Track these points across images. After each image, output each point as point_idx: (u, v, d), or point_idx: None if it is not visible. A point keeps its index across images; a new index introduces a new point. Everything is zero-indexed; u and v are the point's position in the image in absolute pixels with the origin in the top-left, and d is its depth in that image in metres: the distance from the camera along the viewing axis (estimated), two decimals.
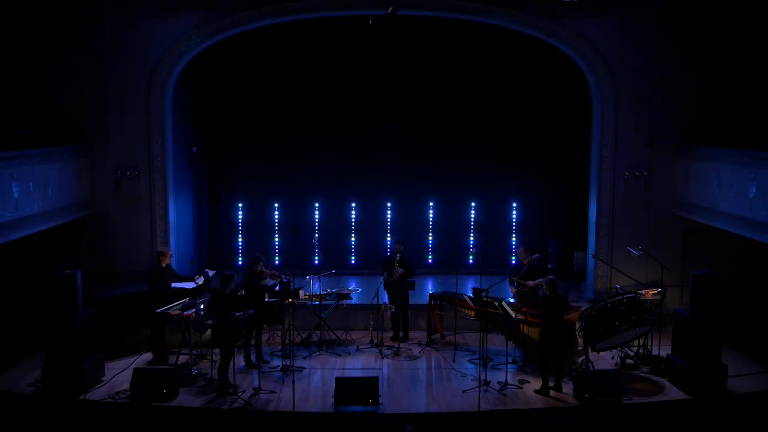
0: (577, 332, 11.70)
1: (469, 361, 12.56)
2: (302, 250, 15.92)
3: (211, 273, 13.02)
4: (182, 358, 12.32)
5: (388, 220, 16.94)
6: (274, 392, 11.24)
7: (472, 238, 16.88)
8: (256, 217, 16.87)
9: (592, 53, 14.19)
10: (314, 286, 13.21)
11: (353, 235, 16.97)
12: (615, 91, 14.25)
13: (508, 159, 16.60)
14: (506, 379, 11.52)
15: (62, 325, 11.11)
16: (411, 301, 13.61)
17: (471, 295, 12.84)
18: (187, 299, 12.29)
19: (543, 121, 16.29)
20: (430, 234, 16.99)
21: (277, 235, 16.84)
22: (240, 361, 12.24)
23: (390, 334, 13.61)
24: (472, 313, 12.78)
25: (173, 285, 12.54)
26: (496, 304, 11.93)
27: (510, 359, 12.05)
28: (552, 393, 11.21)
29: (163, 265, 12.48)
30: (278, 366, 12.20)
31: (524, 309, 12.07)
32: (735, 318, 13.25)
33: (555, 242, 16.32)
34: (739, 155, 12.30)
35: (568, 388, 11.25)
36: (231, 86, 16.17)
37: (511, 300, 12.81)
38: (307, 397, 11.15)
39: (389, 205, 16.93)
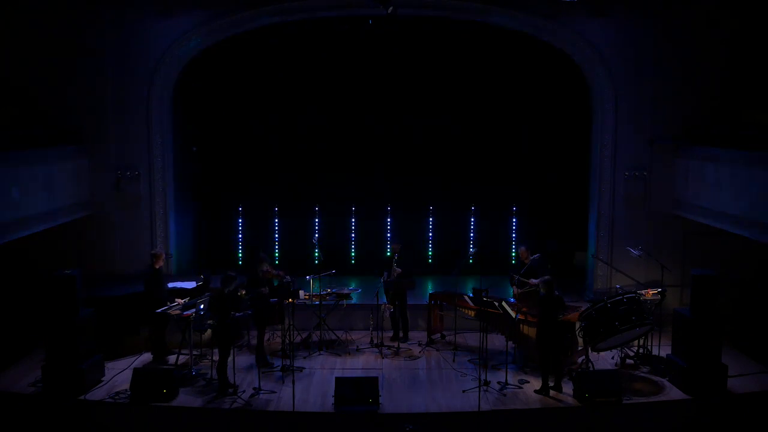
0: (577, 332, 11.71)
1: (469, 361, 12.56)
2: (302, 251, 15.98)
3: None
4: (182, 358, 12.32)
5: (388, 220, 16.93)
6: (274, 392, 11.25)
7: (471, 237, 16.88)
8: (256, 217, 16.85)
9: (591, 53, 14.19)
10: (314, 286, 13.20)
11: (353, 235, 16.95)
12: (615, 91, 14.26)
13: (508, 159, 16.57)
14: (506, 379, 11.53)
15: (62, 325, 11.11)
16: (411, 301, 13.62)
17: (471, 295, 12.84)
18: (187, 299, 12.30)
19: (543, 121, 16.26)
20: (431, 234, 16.98)
21: (277, 236, 16.84)
22: (242, 361, 12.24)
23: (390, 334, 13.62)
24: (472, 313, 12.79)
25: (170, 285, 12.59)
26: (496, 304, 11.94)
27: (510, 359, 12.05)
28: (552, 393, 11.22)
29: (157, 267, 12.45)
30: (278, 366, 12.20)
31: (524, 309, 12.08)
32: (735, 318, 13.24)
33: (555, 242, 16.30)
34: (739, 155, 12.30)
35: (568, 388, 11.26)
36: (231, 86, 16.13)
37: (512, 300, 12.82)
38: (307, 397, 11.15)
39: (389, 206, 16.90)
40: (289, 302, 12.64)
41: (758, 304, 13.41)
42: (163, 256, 12.82)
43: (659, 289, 12.47)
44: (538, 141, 16.42)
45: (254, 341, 12.81)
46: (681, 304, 13.57)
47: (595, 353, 12.08)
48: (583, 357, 11.75)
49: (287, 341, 12.56)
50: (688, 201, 13.81)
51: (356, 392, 10.77)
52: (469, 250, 15.34)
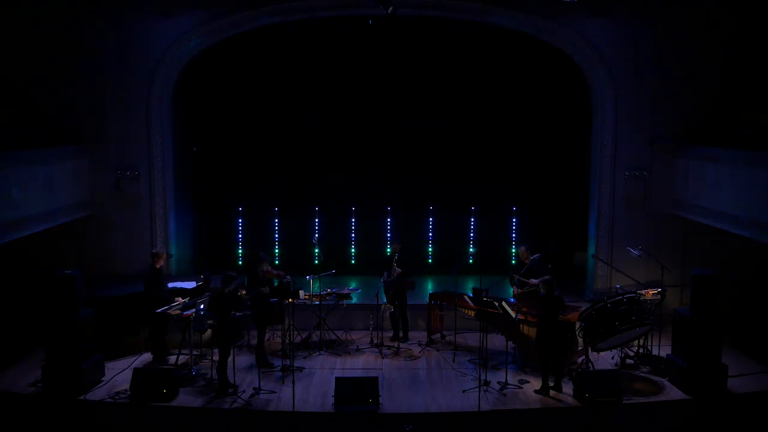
0: (577, 332, 11.71)
1: (469, 361, 12.56)
2: (302, 251, 16.00)
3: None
4: (182, 358, 12.33)
5: (388, 220, 16.93)
6: (274, 392, 11.25)
7: (471, 237, 16.88)
8: (256, 217, 16.85)
9: (591, 53, 14.19)
10: (314, 286, 13.21)
11: (353, 235, 16.96)
12: (615, 91, 14.26)
13: (508, 159, 16.57)
14: (506, 379, 11.53)
15: (62, 325, 11.11)
16: (411, 301, 13.62)
17: (471, 295, 12.84)
18: (187, 299, 12.30)
19: (543, 121, 16.26)
20: (431, 234, 16.98)
21: (277, 236, 16.84)
22: (242, 361, 12.25)
23: (390, 334, 13.62)
24: (472, 313, 12.79)
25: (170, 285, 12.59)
26: (496, 304, 11.94)
27: (510, 359, 12.05)
28: (552, 393, 11.22)
29: (158, 266, 12.45)
30: (278, 366, 12.20)
31: (524, 309, 12.08)
32: (735, 318, 13.24)
33: (555, 242, 16.30)
34: (739, 155, 12.30)
35: (568, 388, 11.26)
36: (231, 86, 16.13)
37: (512, 300, 12.82)
38: (307, 397, 11.15)
39: (389, 205, 16.90)
40: (289, 302, 12.64)
41: (758, 304, 13.41)
42: (164, 255, 12.81)
43: (659, 289, 12.47)
44: (538, 141, 16.41)
45: (254, 341, 12.81)
46: (681, 304, 13.57)
47: (595, 353, 12.08)
48: (583, 357, 11.75)
49: (287, 341, 12.56)
50: (688, 201, 13.81)
51: (356, 392, 10.77)
52: (469, 250, 15.33)
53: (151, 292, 12.25)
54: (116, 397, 11.03)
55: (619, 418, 10.84)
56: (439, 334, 13.66)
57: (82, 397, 10.99)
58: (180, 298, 12.27)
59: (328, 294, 13.18)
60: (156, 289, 12.27)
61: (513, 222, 16.97)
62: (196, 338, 12.24)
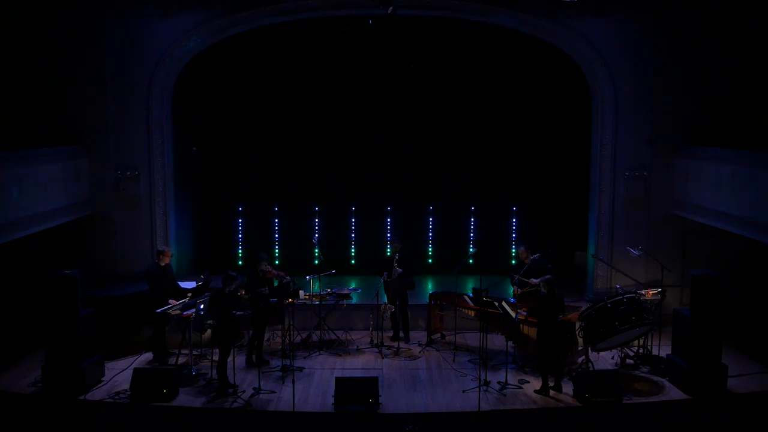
0: (577, 332, 11.71)
1: (469, 361, 12.56)
2: (302, 251, 16.00)
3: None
4: (182, 358, 12.33)
5: (388, 220, 16.93)
6: (274, 392, 11.25)
7: (471, 237, 16.88)
8: (256, 217, 16.87)
9: (592, 53, 14.19)
10: (314, 286, 13.21)
11: (353, 235, 16.96)
12: (615, 91, 14.26)
13: (508, 159, 16.59)
14: (506, 379, 11.53)
15: (62, 325, 11.11)
16: (411, 301, 13.61)
17: (471, 295, 12.84)
18: (187, 299, 12.29)
19: (543, 121, 16.27)
20: (430, 234, 16.99)
21: (277, 236, 16.85)
22: (242, 361, 12.25)
23: (390, 334, 13.62)
24: (472, 313, 12.79)
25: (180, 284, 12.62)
26: (496, 304, 11.94)
27: (510, 359, 12.05)
28: (552, 393, 11.22)
29: (162, 264, 12.46)
30: (278, 366, 12.20)
31: (524, 309, 12.08)
32: (735, 318, 13.24)
33: (555, 242, 16.30)
34: (739, 155, 12.30)
35: (568, 388, 11.26)
36: (231, 86, 16.16)
37: (512, 300, 12.82)
38: (307, 397, 11.16)
39: (389, 206, 16.91)
40: (289, 302, 12.64)
41: (758, 304, 13.40)
42: (169, 253, 12.77)
43: (659, 289, 12.47)
44: (538, 141, 16.43)
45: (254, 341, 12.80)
46: (681, 304, 13.58)
47: (595, 353, 12.09)
48: (583, 357, 11.76)
49: (287, 341, 12.56)
50: (688, 201, 13.81)
51: (356, 392, 10.77)
52: (469, 250, 15.33)
53: (154, 290, 12.24)
54: (116, 397, 11.03)
55: (619, 418, 10.84)
56: (439, 334, 13.66)
57: (82, 397, 11.00)
58: (174, 301, 12.23)
59: (328, 294, 13.18)
60: (159, 287, 12.26)
61: (513, 222, 16.98)
62: (196, 338, 12.24)
